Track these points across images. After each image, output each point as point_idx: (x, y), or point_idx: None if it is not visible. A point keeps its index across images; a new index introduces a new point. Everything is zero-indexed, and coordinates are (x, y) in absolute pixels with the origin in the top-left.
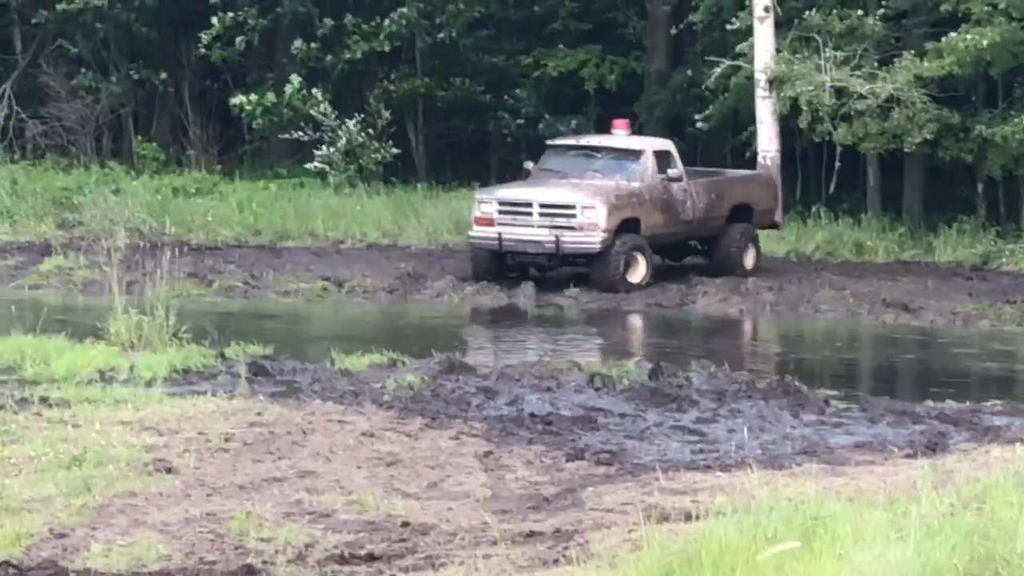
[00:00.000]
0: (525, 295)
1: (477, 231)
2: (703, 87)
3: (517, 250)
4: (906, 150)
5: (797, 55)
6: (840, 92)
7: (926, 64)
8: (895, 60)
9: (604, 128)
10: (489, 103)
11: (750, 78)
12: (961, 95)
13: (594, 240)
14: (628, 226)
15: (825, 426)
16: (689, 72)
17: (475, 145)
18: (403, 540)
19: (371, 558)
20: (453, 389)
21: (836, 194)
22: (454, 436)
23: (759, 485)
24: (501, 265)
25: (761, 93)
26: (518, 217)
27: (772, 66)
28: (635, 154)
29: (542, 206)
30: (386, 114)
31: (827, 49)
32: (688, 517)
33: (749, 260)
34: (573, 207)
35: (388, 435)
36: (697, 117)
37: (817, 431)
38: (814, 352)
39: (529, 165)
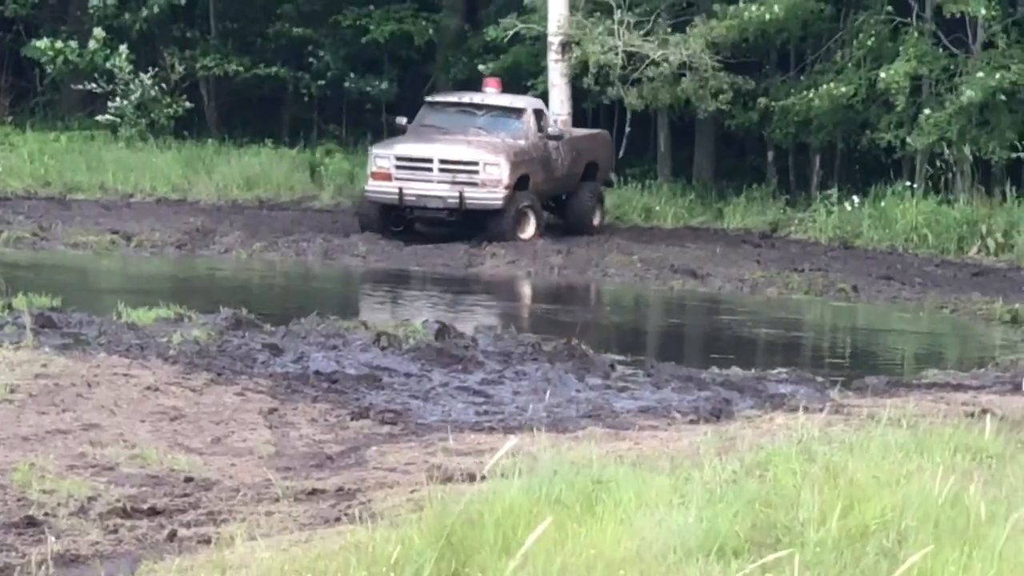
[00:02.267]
0: (313, 253)
1: (374, 185)
2: (492, 42)
3: (418, 205)
4: (698, 117)
5: (590, 18)
6: (632, 56)
7: (717, 28)
8: (688, 27)
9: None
10: (286, 75)
11: (539, 38)
12: (753, 62)
13: (497, 196)
14: (521, 183)
15: (610, 390)
16: (485, 33)
17: (267, 102)
18: (186, 495)
19: (153, 512)
20: (239, 345)
21: (626, 159)
22: (239, 392)
23: (543, 448)
24: (387, 220)
25: (553, 56)
26: (417, 172)
27: (565, 29)
28: (517, 112)
29: (443, 162)
30: (180, 69)
31: (619, 12)
32: (471, 478)
33: (597, 218)
34: (476, 163)
35: (173, 389)
36: (481, 67)
37: (602, 395)
38: (601, 316)
39: (402, 120)
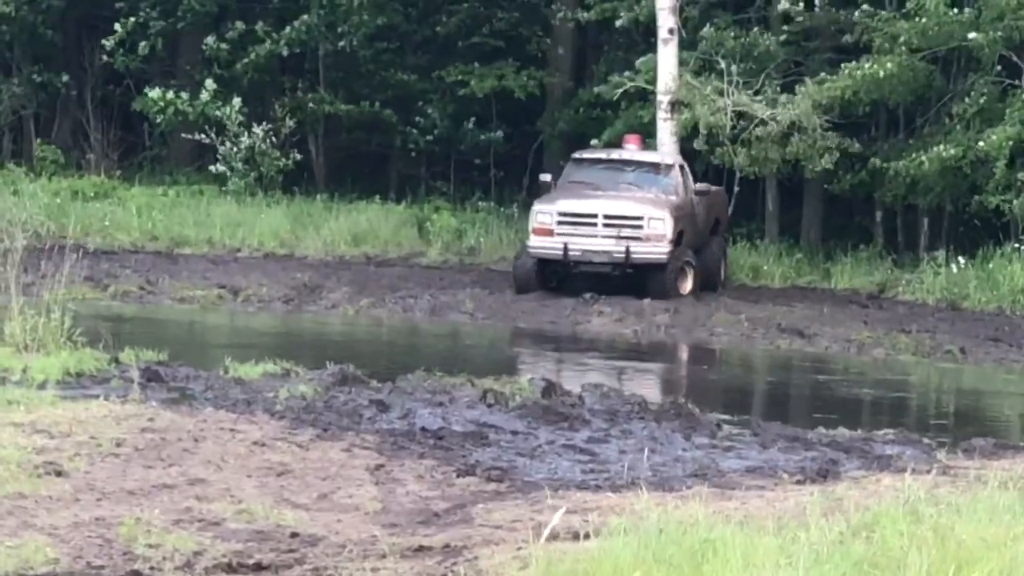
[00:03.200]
0: (420, 309)
1: (537, 241)
2: (601, 99)
3: (583, 260)
4: (806, 177)
5: (699, 77)
6: (741, 116)
7: (826, 87)
8: (796, 87)
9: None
10: (393, 119)
11: (650, 98)
12: (861, 123)
13: (663, 250)
14: (679, 238)
15: (716, 450)
16: (594, 89)
17: (375, 157)
18: (291, 551)
19: (259, 568)
20: (346, 401)
21: (734, 218)
22: (345, 448)
23: (649, 506)
24: (544, 276)
25: (662, 115)
26: (581, 228)
27: (674, 88)
28: (666, 168)
29: (607, 217)
30: (290, 123)
31: (729, 72)
32: (577, 536)
33: (723, 272)
34: (641, 218)
35: (279, 445)
36: (594, 142)
37: (708, 454)
38: (708, 376)
39: (547, 177)
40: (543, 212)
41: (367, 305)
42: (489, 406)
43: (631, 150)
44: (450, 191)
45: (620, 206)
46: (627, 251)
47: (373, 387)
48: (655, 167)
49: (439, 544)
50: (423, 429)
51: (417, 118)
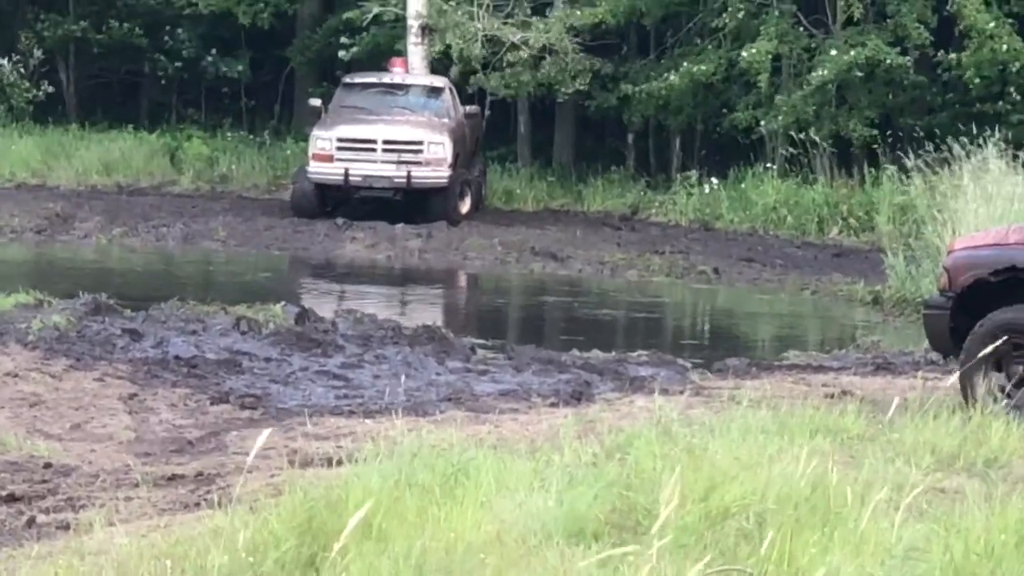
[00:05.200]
0: (173, 238)
1: (317, 167)
2: (352, 25)
3: (364, 185)
4: (558, 100)
5: (450, 2)
6: (493, 41)
7: (579, 13)
8: (548, 9)
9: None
10: (144, 43)
11: (400, 20)
12: (614, 44)
13: (443, 174)
14: (455, 161)
15: (471, 374)
16: (344, 16)
17: (127, 86)
18: (44, 481)
19: (12, 499)
20: (99, 331)
21: (487, 142)
22: (99, 378)
23: (403, 431)
24: (323, 202)
25: (413, 40)
26: (360, 153)
27: (424, 14)
28: (438, 91)
29: (387, 142)
30: (38, 54)
31: None
32: (331, 463)
33: (484, 193)
34: (420, 143)
35: (32, 375)
36: (343, 48)
37: (462, 378)
38: (460, 300)
39: (316, 102)
40: (322, 138)
41: (120, 234)
42: (243, 333)
43: (399, 73)
44: (201, 119)
45: (400, 131)
46: (408, 176)
47: (126, 316)
48: (427, 90)
49: (192, 472)
50: (176, 357)
51: (166, 40)
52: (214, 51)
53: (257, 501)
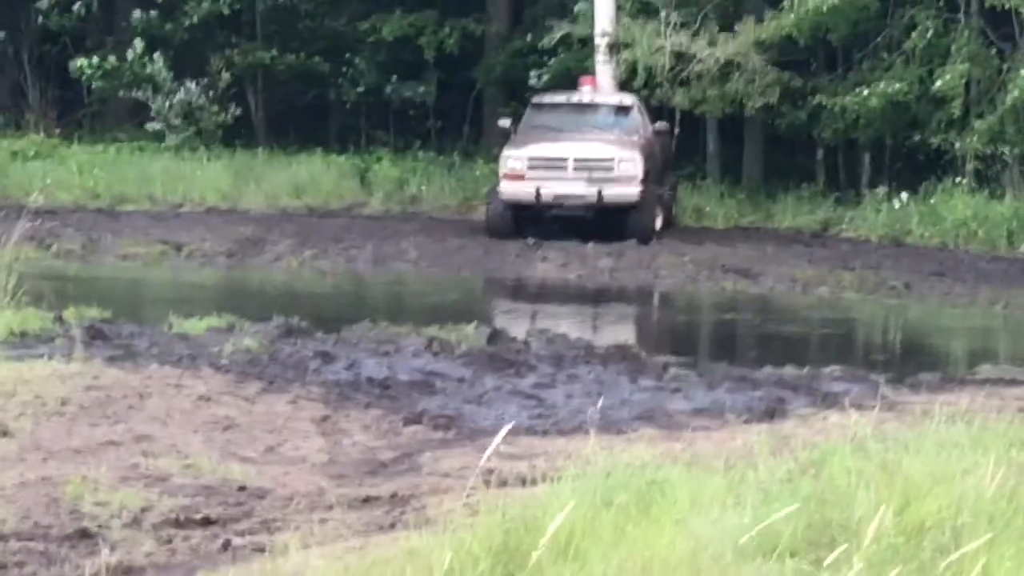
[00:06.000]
0: (363, 260)
1: (508, 186)
2: (539, 47)
3: (556, 203)
4: (746, 115)
5: (637, 19)
6: (680, 57)
7: (765, 27)
8: (736, 24)
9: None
10: (328, 70)
11: (587, 41)
12: (802, 60)
13: (634, 190)
14: (647, 177)
15: (663, 391)
16: (529, 36)
17: (315, 110)
18: (239, 504)
19: (207, 522)
20: (291, 353)
21: (676, 159)
22: (291, 400)
23: (596, 450)
24: (516, 221)
25: (601, 58)
26: (551, 172)
27: (611, 31)
28: (627, 109)
29: (577, 160)
30: (226, 76)
31: (667, 12)
32: (525, 482)
33: (675, 210)
34: (611, 160)
35: (225, 399)
36: (533, 74)
37: (655, 396)
38: (652, 318)
39: (505, 122)
40: (513, 158)
41: (310, 257)
42: (435, 354)
43: (588, 92)
44: (390, 141)
45: (590, 149)
46: (599, 193)
47: (318, 339)
48: (616, 108)
49: (387, 494)
50: (369, 379)
51: (346, 68)
52: (395, 78)
53: (452, 522)
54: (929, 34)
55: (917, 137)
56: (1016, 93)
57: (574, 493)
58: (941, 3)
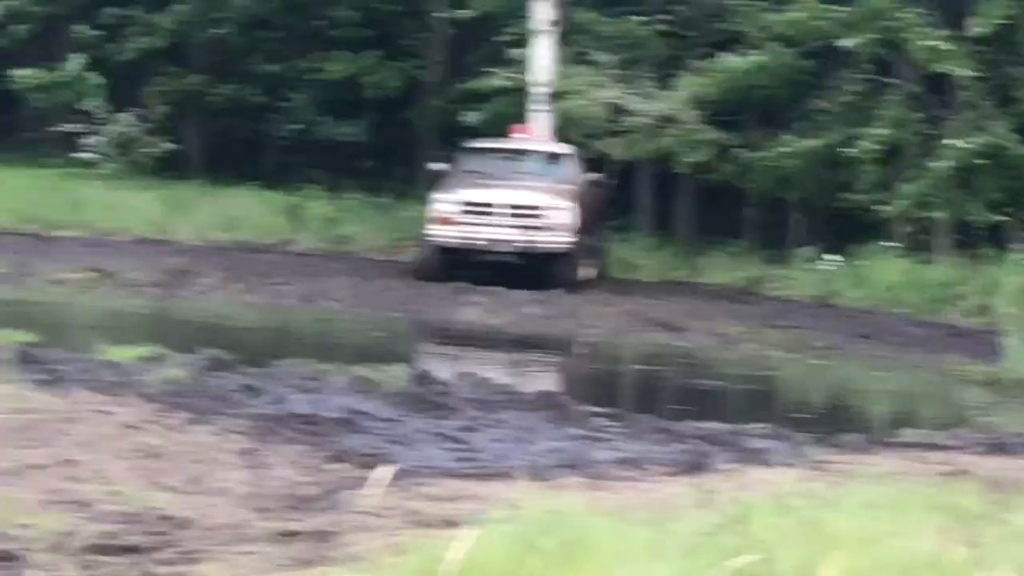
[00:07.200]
0: (292, 296)
1: (438, 230)
2: (476, 92)
3: (487, 249)
4: (678, 171)
5: (575, 69)
6: (616, 109)
7: (701, 82)
8: (672, 79)
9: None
10: (265, 105)
11: (523, 89)
12: (736, 117)
13: (565, 239)
14: (578, 227)
15: (588, 440)
16: (466, 82)
17: (250, 145)
18: (162, 533)
19: (129, 549)
20: (218, 385)
21: (608, 211)
22: (217, 432)
23: (522, 495)
24: (447, 265)
25: (536, 106)
26: (482, 217)
27: (548, 80)
28: (562, 157)
29: (510, 207)
30: (162, 108)
31: (605, 63)
32: (450, 524)
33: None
34: (542, 208)
35: (151, 427)
36: (469, 116)
37: (580, 445)
38: (578, 367)
39: (437, 166)
40: (444, 201)
41: (239, 291)
42: (361, 393)
43: (522, 139)
44: (323, 180)
45: (523, 196)
46: (529, 240)
47: (245, 372)
48: (550, 156)
49: (310, 529)
50: (294, 414)
51: (283, 104)
52: (331, 117)
53: (378, 560)
54: (853, 97)
55: (845, 196)
56: (943, 163)
57: (502, 537)
58: (874, 67)
